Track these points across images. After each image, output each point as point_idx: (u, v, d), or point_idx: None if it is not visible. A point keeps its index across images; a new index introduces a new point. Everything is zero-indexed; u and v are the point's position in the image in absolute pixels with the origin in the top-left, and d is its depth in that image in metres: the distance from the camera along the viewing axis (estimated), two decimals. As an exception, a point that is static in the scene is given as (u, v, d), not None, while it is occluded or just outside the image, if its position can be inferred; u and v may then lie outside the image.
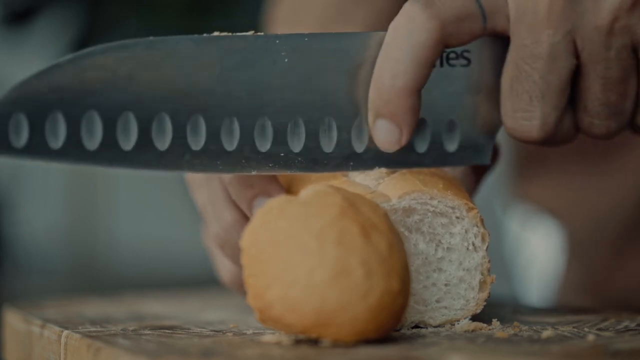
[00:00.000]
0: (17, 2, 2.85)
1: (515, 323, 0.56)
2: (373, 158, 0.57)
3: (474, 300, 0.56)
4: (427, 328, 0.56)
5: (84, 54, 0.52)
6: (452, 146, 0.58)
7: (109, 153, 0.53)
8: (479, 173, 0.63)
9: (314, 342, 0.50)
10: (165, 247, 3.84)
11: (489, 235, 0.56)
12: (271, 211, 0.51)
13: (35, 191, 3.88)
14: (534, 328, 0.55)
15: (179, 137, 0.54)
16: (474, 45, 0.57)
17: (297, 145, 0.56)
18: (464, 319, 0.56)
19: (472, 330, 0.54)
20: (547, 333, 0.53)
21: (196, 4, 2.78)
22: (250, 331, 0.55)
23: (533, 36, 0.55)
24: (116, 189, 4.03)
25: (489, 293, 0.56)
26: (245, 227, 0.52)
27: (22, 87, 0.51)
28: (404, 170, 0.57)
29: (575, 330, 0.55)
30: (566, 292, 0.95)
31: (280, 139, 0.55)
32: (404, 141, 0.55)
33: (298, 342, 0.50)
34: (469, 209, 0.55)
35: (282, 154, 0.56)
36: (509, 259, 1.08)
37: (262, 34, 0.55)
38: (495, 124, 0.59)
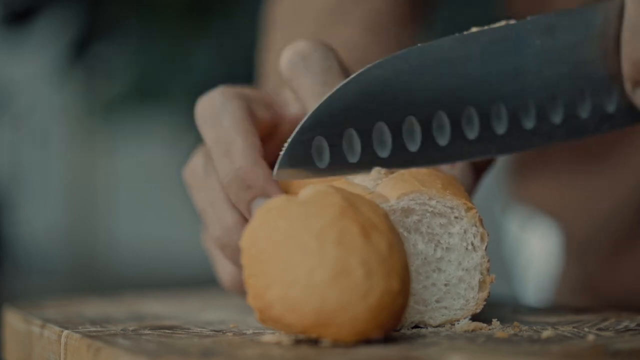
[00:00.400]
0: (17, 2, 2.86)
1: (515, 323, 0.56)
2: (623, 117, 0.61)
3: (474, 300, 0.56)
4: (427, 328, 0.56)
5: (361, 74, 0.56)
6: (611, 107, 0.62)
7: (399, 157, 0.57)
8: (477, 171, 0.63)
9: (314, 342, 0.50)
10: (165, 247, 3.84)
11: (487, 234, 0.56)
12: (271, 211, 0.51)
13: (35, 191, 3.88)
14: (534, 328, 0.55)
15: (457, 131, 0.58)
16: None
17: (557, 117, 0.60)
18: (464, 319, 0.56)
19: (472, 330, 0.54)
20: (547, 333, 0.53)
21: (196, 4, 2.78)
22: (250, 331, 0.55)
23: None
24: (116, 189, 4.04)
25: (489, 293, 0.56)
26: (245, 229, 0.52)
27: (315, 115, 0.55)
28: (403, 171, 0.57)
29: (575, 330, 0.55)
30: (565, 292, 0.95)
31: (542, 115, 0.60)
32: None
33: (298, 342, 0.50)
34: (468, 209, 0.56)
35: (545, 129, 0.60)
36: (508, 259, 1.08)
37: (513, 22, 0.59)
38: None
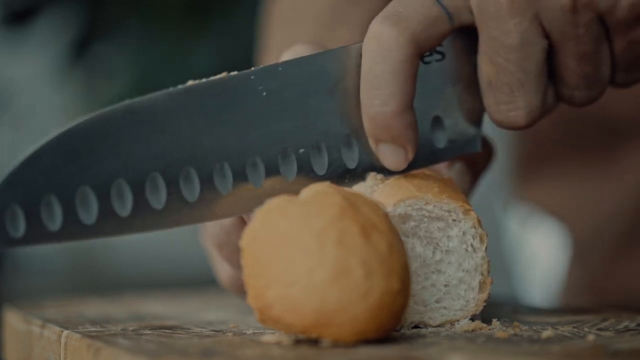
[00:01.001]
0: (17, 2, 2.85)
1: (515, 323, 0.56)
2: (366, 170, 0.57)
3: (474, 301, 0.56)
4: (427, 328, 0.56)
5: (64, 133, 0.52)
6: (441, 142, 0.58)
7: (108, 223, 0.53)
8: (474, 172, 0.63)
9: (314, 342, 0.50)
10: (165, 247, 3.84)
11: (487, 235, 0.56)
12: (271, 211, 0.51)
13: (35, 191, 3.87)
14: (534, 328, 0.55)
15: (174, 192, 0.54)
16: (445, 40, 0.57)
17: (290, 174, 0.56)
18: (464, 319, 0.56)
19: (472, 330, 0.54)
20: (547, 333, 0.53)
21: (196, 4, 2.77)
22: (250, 331, 0.55)
23: (500, 27, 0.55)
24: (116, 189, 4.03)
25: (489, 294, 0.56)
26: (244, 228, 0.52)
27: (10, 178, 0.51)
28: (398, 176, 0.57)
29: (575, 330, 0.55)
30: (567, 292, 0.95)
31: (272, 171, 0.56)
32: (410, 157, 0.56)
33: (298, 342, 0.50)
34: (465, 211, 0.55)
35: (277, 187, 0.56)
36: (508, 259, 1.08)
37: (235, 73, 0.55)
38: (479, 112, 0.59)
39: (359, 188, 0.56)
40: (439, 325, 0.56)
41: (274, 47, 0.82)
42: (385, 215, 0.52)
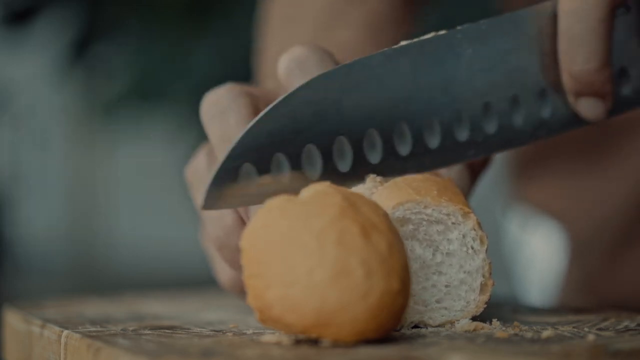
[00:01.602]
0: (17, 2, 2.86)
1: (515, 323, 0.56)
2: (560, 121, 0.60)
3: (474, 302, 0.56)
4: (427, 328, 0.56)
5: (289, 95, 0.55)
6: (627, 91, 0.61)
7: (332, 177, 0.56)
8: (474, 173, 0.63)
9: (314, 342, 0.50)
10: (165, 247, 3.84)
11: (487, 237, 0.56)
12: (271, 211, 0.51)
13: (35, 191, 3.88)
14: (534, 328, 0.55)
15: (389, 147, 0.57)
16: None
17: (491, 127, 0.59)
18: (464, 319, 0.56)
19: (473, 330, 0.54)
20: (547, 333, 0.53)
21: (196, 4, 2.78)
22: (250, 331, 0.55)
23: None
24: (116, 189, 4.04)
25: (490, 295, 0.56)
26: (244, 230, 0.52)
27: (243, 140, 0.54)
28: (397, 179, 0.57)
29: (575, 330, 0.55)
30: (567, 292, 0.95)
31: (475, 125, 0.59)
32: (609, 107, 0.59)
33: (298, 342, 0.50)
34: (465, 214, 0.55)
35: (479, 140, 0.59)
36: (508, 259, 1.08)
37: (443, 32, 0.58)
38: None
39: (358, 190, 0.56)
40: (439, 326, 0.56)
41: (272, 47, 0.82)
42: (386, 215, 0.52)
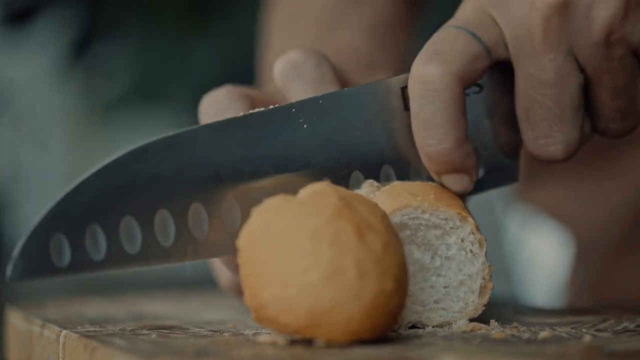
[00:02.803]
0: (17, 2, 2.85)
1: (514, 323, 0.56)
2: None
3: (473, 304, 0.56)
4: (424, 328, 0.56)
5: (108, 164, 0.53)
6: (479, 172, 0.59)
7: (150, 252, 0.54)
8: None
9: (309, 342, 0.50)
10: (165, 247, 3.82)
11: (485, 240, 0.56)
12: (269, 210, 0.51)
13: (35, 191, 3.88)
14: (532, 329, 0.55)
15: (216, 223, 0.55)
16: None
17: None
18: (461, 320, 0.56)
19: (470, 331, 0.55)
20: (544, 334, 0.53)
21: (196, 4, 2.77)
22: (248, 331, 0.56)
23: (535, 63, 0.56)
24: (116, 188, 4.02)
25: (489, 298, 0.56)
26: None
27: (54, 209, 0.52)
28: (395, 183, 0.57)
29: (573, 331, 0.55)
30: (570, 293, 0.95)
31: None
32: (474, 179, 0.58)
33: (293, 342, 0.51)
34: (462, 218, 0.55)
35: None
36: (508, 260, 1.08)
37: (277, 106, 0.57)
38: (515, 144, 0.60)
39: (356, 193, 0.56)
40: (436, 326, 0.56)
41: (275, 47, 0.82)
42: (384, 216, 0.52)
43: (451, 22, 0.58)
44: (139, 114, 2.98)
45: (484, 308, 0.56)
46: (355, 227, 0.49)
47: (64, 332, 0.56)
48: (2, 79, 3.47)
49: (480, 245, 0.56)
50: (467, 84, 0.56)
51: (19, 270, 0.52)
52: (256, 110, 0.56)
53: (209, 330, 0.57)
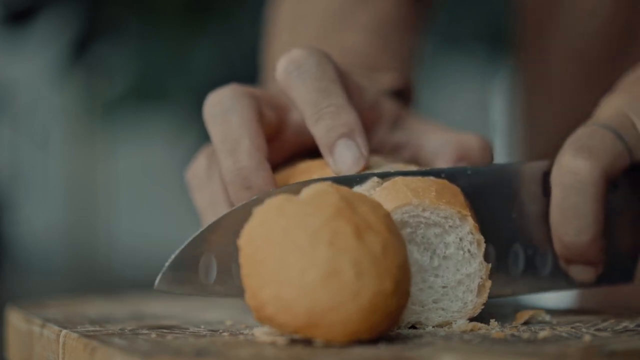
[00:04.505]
0: (17, 2, 2.85)
1: (514, 323, 0.56)
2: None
3: (472, 304, 0.56)
4: (424, 328, 0.56)
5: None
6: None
7: None
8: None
9: (308, 342, 0.50)
10: (165, 247, 3.83)
11: (484, 241, 0.56)
12: (270, 210, 0.51)
13: (35, 191, 3.88)
14: (532, 329, 0.55)
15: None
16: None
17: None
18: (461, 319, 0.56)
19: (470, 331, 0.55)
20: (543, 333, 0.53)
21: (196, 4, 2.78)
22: (247, 331, 0.56)
23: None
24: (116, 189, 4.03)
25: (487, 297, 0.56)
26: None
27: (210, 227, 0.55)
28: (396, 179, 0.57)
29: (573, 330, 0.55)
30: (570, 293, 0.95)
31: None
32: (599, 271, 0.60)
33: (293, 342, 0.51)
34: (462, 217, 0.55)
35: None
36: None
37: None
38: (638, 246, 0.62)
39: (358, 189, 0.56)
40: (436, 326, 0.56)
41: (279, 46, 0.82)
42: (386, 215, 0.51)
43: (593, 120, 0.60)
44: (139, 114, 2.98)
45: (483, 307, 0.56)
46: (355, 228, 0.49)
47: (64, 331, 0.56)
48: (2, 79, 3.47)
49: (479, 245, 0.56)
50: (611, 180, 0.59)
51: (167, 281, 0.55)
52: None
53: (209, 330, 0.57)
